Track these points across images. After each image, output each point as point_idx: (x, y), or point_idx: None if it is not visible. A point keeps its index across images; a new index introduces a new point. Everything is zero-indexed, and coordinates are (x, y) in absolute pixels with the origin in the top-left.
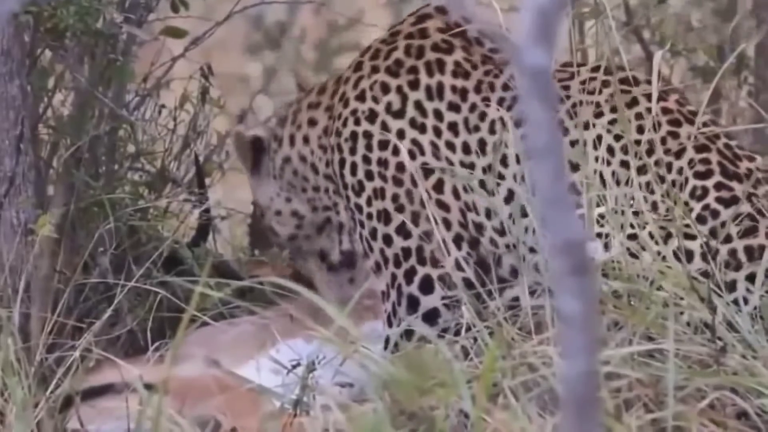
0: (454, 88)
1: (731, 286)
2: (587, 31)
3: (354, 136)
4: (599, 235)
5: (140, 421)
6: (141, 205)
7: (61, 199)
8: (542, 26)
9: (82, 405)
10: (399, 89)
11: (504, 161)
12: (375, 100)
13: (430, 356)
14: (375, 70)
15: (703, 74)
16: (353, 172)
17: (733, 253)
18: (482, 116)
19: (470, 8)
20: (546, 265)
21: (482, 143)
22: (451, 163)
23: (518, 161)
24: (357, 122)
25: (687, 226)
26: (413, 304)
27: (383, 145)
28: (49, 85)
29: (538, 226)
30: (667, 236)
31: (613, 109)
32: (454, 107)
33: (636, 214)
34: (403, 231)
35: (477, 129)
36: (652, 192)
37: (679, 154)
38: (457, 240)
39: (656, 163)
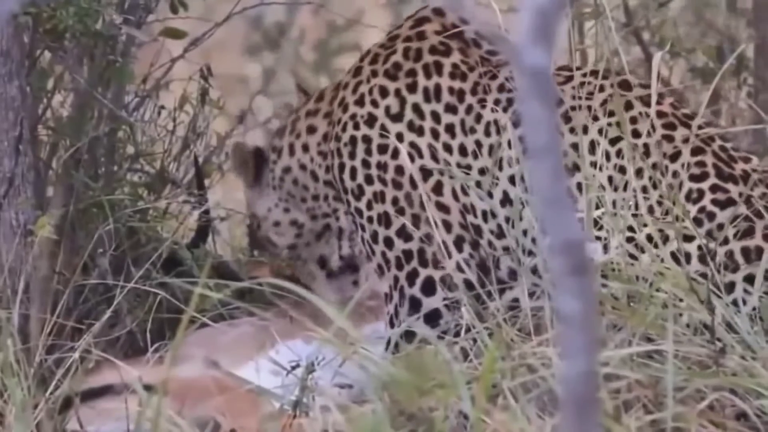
0: (451, 90)
1: (729, 288)
2: (587, 31)
3: (353, 140)
4: (598, 237)
5: (140, 422)
6: (140, 206)
7: (60, 200)
8: (541, 26)
9: (81, 406)
10: (397, 92)
11: (498, 164)
12: (374, 104)
13: (429, 357)
14: (374, 74)
15: (702, 75)
16: (353, 177)
17: (729, 254)
18: (478, 118)
19: (469, 9)
20: (545, 266)
21: (478, 145)
22: (448, 165)
23: (511, 164)
24: (356, 126)
25: (684, 227)
26: (415, 305)
27: (382, 148)
28: (49, 86)
29: (536, 227)
30: (665, 238)
31: (609, 114)
32: (451, 109)
33: (634, 216)
34: (403, 233)
35: (473, 131)
36: (648, 197)
37: (674, 157)
38: (459, 241)
39: (653, 166)
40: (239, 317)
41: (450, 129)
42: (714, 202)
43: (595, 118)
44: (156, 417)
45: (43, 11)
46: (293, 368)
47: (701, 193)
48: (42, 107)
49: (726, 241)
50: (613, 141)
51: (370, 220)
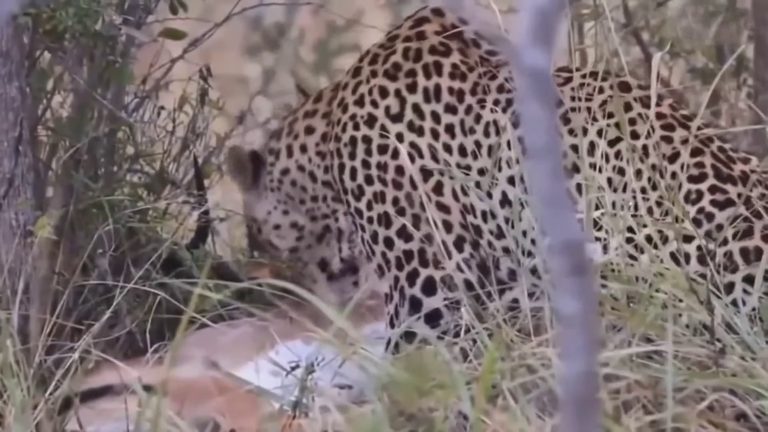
0: (451, 90)
1: (728, 288)
2: (586, 32)
3: (353, 140)
4: (597, 238)
5: (139, 422)
6: (140, 207)
7: (60, 200)
8: (541, 27)
9: (81, 406)
10: (397, 93)
11: (498, 165)
12: (374, 104)
13: (429, 358)
14: (373, 74)
15: (702, 76)
16: (353, 177)
17: (728, 255)
18: (478, 118)
19: (469, 10)
20: (545, 267)
21: (478, 146)
22: (448, 166)
23: (511, 165)
24: (356, 127)
25: (684, 228)
26: (416, 305)
27: (382, 149)
28: (48, 86)
29: (535, 228)
30: (664, 239)
31: (608, 115)
32: (451, 109)
33: (634, 217)
34: (404, 234)
35: (473, 131)
36: (647, 198)
37: (673, 159)
38: (459, 242)
39: (652, 167)
40: (239, 318)
41: (450, 129)
42: (713, 203)
43: (594, 120)
44: (155, 417)
45: (43, 12)
46: (293, 369)
47: (700, 194)
48: (42, 108)
49: (725, 242)
50: (612, 142)
51: (370, 220)
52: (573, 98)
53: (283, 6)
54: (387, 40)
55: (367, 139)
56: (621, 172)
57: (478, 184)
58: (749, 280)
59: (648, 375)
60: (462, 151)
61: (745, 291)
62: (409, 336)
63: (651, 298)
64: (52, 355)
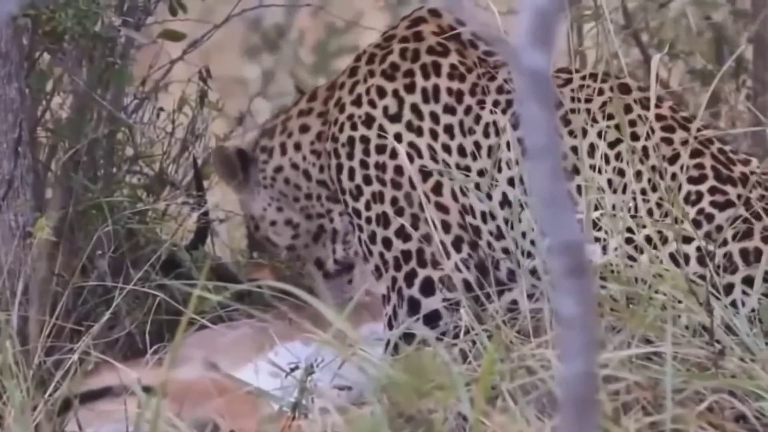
0: (449, 91)
1: (728, 289)
2: (586, 33)
3: (351, 141)
4: (597, 239)
5: (138, 423)
6: (139, 208)
7: (59, 201)
8: (541, 28)
9: (80, 408)
10: (395, 93)
11: (497, 165)
12: (372, 104)
13: (428, 359)
14: (371, 74)
15: (701, 77)
16: (351, 177)
17: (728, 256)
18: (477, 119)
19: (468, 11)
20: (544, 268)
21: (477, 146)
22: (447, 166)
23: (510, 166)
24: (354, 127)
25: (683, 229)
26: (414, 306)
27: (381, 149)
28: (48, 88)
29: (535, 229)
30: (663, 240)
31: (608, 117)
32: (449, 110)
33: (633, 218)
34: (402, 234)
35: (472, 132)
36: (647, 200)
37: (672, 160)
38: (458, 242)
39: (652, 168)
40: (238, 319)
41: (449, 130)
42: (713, 204)
43: (594, 121)
44: (155, 419)
45: (42, 13)
46: (292, 370)
47: (700, 195)
48: (41, 109)
49: (724, 243)
50: (612, 144)
51: (368, 220)
52: (573, 99)
53: (282, 7)
54: (383, 40)
55: (365, 140)
56: (621, 173)
57: (477, 186)
58: (749, 281)
59: (647, 376)
60: (461, 151)
61: (744, 292)
62: (408, 337)
63: (650, 300)
64: (51, 357)
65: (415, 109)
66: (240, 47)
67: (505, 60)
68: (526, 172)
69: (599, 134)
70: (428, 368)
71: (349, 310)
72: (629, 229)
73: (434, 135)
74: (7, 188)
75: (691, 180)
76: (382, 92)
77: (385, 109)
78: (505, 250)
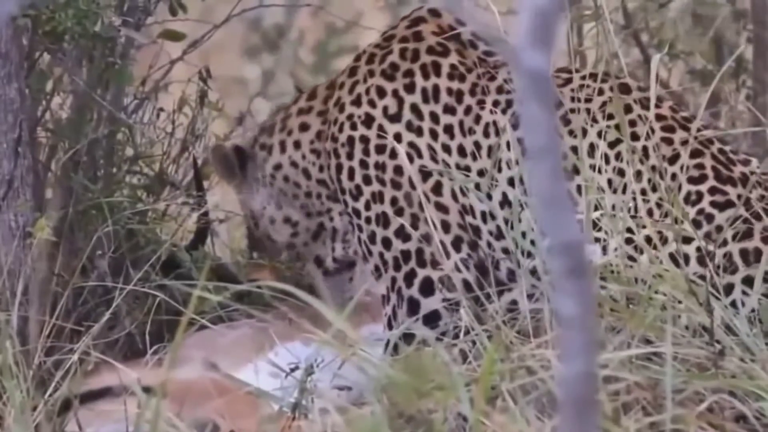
0: (449, 91)
1: (727, 290)
2: (586, 34)
3: (351, 140)
4: (597, 239)
5: (138, 424)
6: (139, 208)
7: (59, 202)
8: (540, 28)
9: (80, 408)
10: (395, 93)
11: (497, 165)
12: (371, 104)
13: (428, 359)
14: (371, 74)
15: (701, 77)
16: (351, 177)
17: (728, 256)
18: (477, 119)
19: (468, 11)
20: (544, 268)
21: (477, 146)
22: (447, 166)
23: (510, 166)
24: (353, 127)
25: (683, 229)
26: (414, 306)
27: (380, 149)
28: (48, 88)
29: (535, 229)
30: (663, 240)
31: (608, 116)
32: (449, 110)
33: (633, 218)
34: (402, 234)
35: (472, 132)
36: (647, 200)
37: (673, 160)
38: (457, 242)
39: (652, 168)
40: (238, 319)
41: (449, 130)
42: (713, 204)
43: (594, 121)
44: (155, 419)
45: (42, 13)
46: (292, 370)
47: (700, 196)
48: (41, 109)
49: (724, 243)
50: (612, 144)
51: (368, 220)
52: (573, 99)
53: (282, 7)
54: (383, 40)
55: (364, 139)
56: (621, 173)
57: (478, 186)
58: (748, 281)
59: (647, 376)
60: (461, 151)
61: (744, 292)
62: (407, 337)
63: (650, 300)
64: (51, 357)
65: (415, 109)
66: (240, 47)
67: (505, 60)
68: (526, 173)
69: (599, 134)
70: (428, 368)
71: (350, 311)
72: (629, 230)
73: (434, 135)
74: (7, 188)
75: (691, 180)
76: (381, 92)
77: (385, 109)
78: (505, 250)
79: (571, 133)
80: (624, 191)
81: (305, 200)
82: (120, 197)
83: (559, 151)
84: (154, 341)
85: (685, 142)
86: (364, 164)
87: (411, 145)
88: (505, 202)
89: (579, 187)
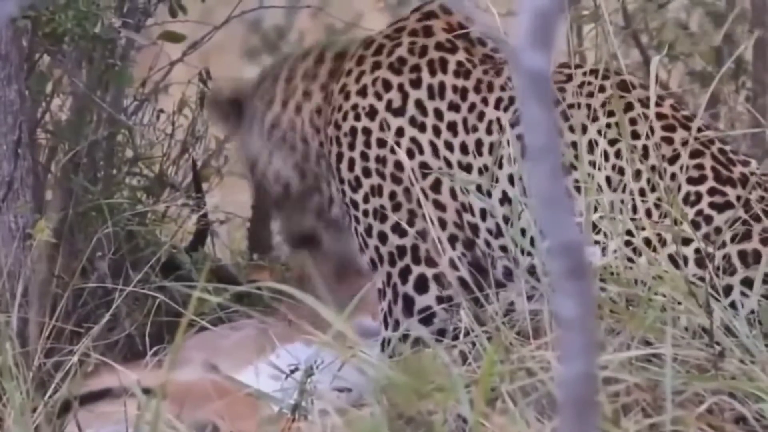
0: (455, 88)
1: (726, 291)
2: (586, 35)
3: (353, 131)
4: (596, 240)
5: (138, 425)
6: (139, 210)
7: (59, 203)
8: (541, 29)
9: (80, 409)
10: (401, 87)
11: (498, 163)
12: (377, 96)
13: (428, 360)
14: (377, 66)
15: (701, 79)
16: (350, 168)
17: (726, 258)
18: (480, 116)
19: (468, 12)
20: (543, 269)
21: (479, 144)
22: (449, 163)
23: (511, 163)
24: (357, 118)
25: (682, 231)
26: (408, 303)
27: (382, 142)
28: (47, 89)
29: (534, 228)
30: (662, 241)
31: (609, 114)
32: (454, 107)
33: (632, 219)
34: (398, 229)
35: (475, 129)
36: (645, 200)
37: (672, 160)
38: (452, 240)
39: (651, 168)
40: (238, 321)
41: (452, 127)
42: (711, 205)
43: (596, 118)
44: (155, 420)
45: (42, 15)
46: (292, 372)
47: (699, 196)
48: (41, 111)
49: (723, 245)
50: (612, 142)
51: (365, 213)
52: (574, 94)
53: (282, 9)
54: (393, 31)
55: (367, 131)
56: (621, 171)
57: (479, 187)
58: (747, 283)
59: (647, 378)
60: (464, 149)
61: (743, 293)
62: (403, 335)
63: (650, 301)
64: (51, 358)
65: (419, 104)
66: (240, 49)
67: (507, 60)
68: (525, 173)
69: (599, 131)
70: (428, 370)
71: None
72: (628, 231)
73: (437, 132)
74: (6, 190)
75: (691, 180)
76: (387, 85)
77: (389, 102)
78: (503, 248)
79: (571, 129)
80: (623, 190)
81: (302, 163)
82: (120, 199)
83: (558, 152)
84: (154, 343)
85: (685, 143)
86: (364, 156)
87: (413, 140)
88: (504, 199)
89: (576, 183)
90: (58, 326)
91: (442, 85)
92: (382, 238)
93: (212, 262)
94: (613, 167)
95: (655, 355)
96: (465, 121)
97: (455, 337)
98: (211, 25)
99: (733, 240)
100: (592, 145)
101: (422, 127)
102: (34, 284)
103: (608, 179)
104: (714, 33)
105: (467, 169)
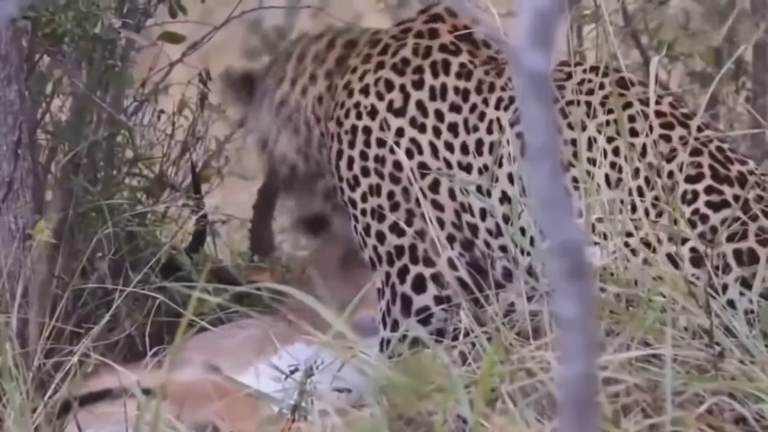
0: (456, 90)
1: (722, 291)
2: (585, 35)
3: (354, 129)
4: (595, 241)
5: (138, 426)
6: (139, 210)
7: (59, 204)
8: (540, 29)
9: (80, 410)
10: (402, 88)
11: (498, 162)
12: (378, 96)
13: (428, 361)
14: (381, 65)
15: (701, 79)
16: (349, 167)
17: (722, 257)
18: (481, 116)
19: (474, 12)
20: (543, 269)
21: (480, 143)
22: (448, 164)
23: (511, 162)
24: (358, 116)
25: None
26: (406, 303)
27: (382, 142)
28: (47, 90)
29: (533, 229)
30: (659, 240)
31: (608, 111)
32: (455, 108)
33: (631, 219)
34: (396, 229)
35: (476, 129)
36: (644, 199)
37: (670, 158)
38: (449, 240)
39: (649, 166)
40: (240, 321)
41: (453, 128)
42: (708, 204)
43: (595, 115)
44: (154, 421)
45: (42, 15)
46: (292, 372)
47: (696, 195)
48: (41, 111)
49: (718, 244)
50: (610, 139)
51: (363, 212)
52: (574, 92)
53: (282, 9)
54: (399, 32)
55: (367, 131)
56: (619, 169)
57: (479, 187)
58: (743, 282)
59: (647, 378)
60: (464, 149)
61: (741, 293)
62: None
63: (650, 302)
64: (51, 359)
65: (420, 105)
66: (240, 49)
67: (508, 61)
68: (525, 173)
69: (599, 129)
70: (428, 370)
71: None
72: (628, 233)
73: (437, 132)
74: (6, 190)
75: (689, 179)
76: (390, 85)
77: (391, 103)
78: (502, 248)
79: (570, 126)
80: (622, 189)
81: (305, 148)
82: (120, 200)
83: (558, 153)
84: (154, 343)
85: (685, 142)
86: (364, 156)
87: (413, 141)
88: (504, 198)
89: (574, 179)
90: (58, 327)
91: (443, 87)
92: (380, 237)
93: (212, 264)
94: (612, 165)
95: (655, 355)
96: (466, 121)
97: (455, 338)
98: (211, 26)
99: (729, 239)
100: (591, 143)
101: (422, 128)
102: (33, 285)
103: (607, 177)
104: (714, 33)
105: (467, 169)
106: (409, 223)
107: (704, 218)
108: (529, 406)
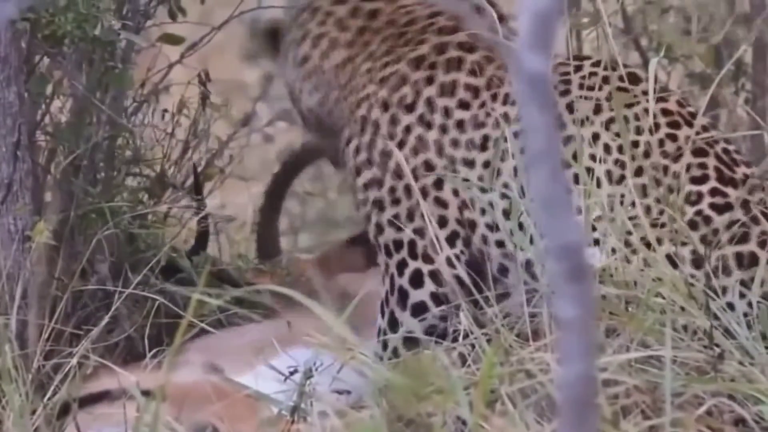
0: (467, 86)
1: (722, 293)
2: (585, 37)
3: (364, 119)
4: (596, 242)
5: (137, 427)
6: (140, 212)
7: (58, 205)
8: (540, 31)
9: (79, 412)
10: (415, 83)
11: (501, 155)
12: (392, 89)
13: (427, 363)
14: (400, 59)
15: (700, 81)
16: (356, 154)
17: (723, 259)
18: (489, 112)
19: (468, 14)
20: (542, 271)
21: (485, 139)
22: (453, 160)
23: (512, 157)
24: (371, 107)
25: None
26: (403, 296)
27: (390, 136)
28: (47, 91)
29: (533, 229)
30: (659, 241)
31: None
32: (463, 105)
33: (632, 219)
34: (395, 224)
35: (483, 125)
36: (646, 197)
37: (676, 158)
38: (452, 237)
39: (653, 165)
40: (238, 323)
41: (460, 125)
42: (712, 206)
43: (600, 111)
44: (154, 422)
45: (42, 17)
46: (291, 374)
47: (700, 196)
48: (40, 113)
49: (719, 245)
50: (616, 136)
51: (365, 201)
52: (579, 87)
53: (282, 10)
54: (421, 28)
55: (376, 123)
56: (622, 166)
57: (482, 189)
58: (743, 285)
59: (646, 380)
60: (471, 144)
61: (742, 294)
62: (395, 327)
63: (649, 303)
64: (50, 360)
65: (429, 102)
66: (239, 50)
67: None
68: (525, 174)
69: (603, 124)
70: (427, 372)
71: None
72: (628, 233)
73: (444, 130)
74: (6, 192)
75: (693, 180)
76: (404, 80)
77: (402, 98)
78: (499, 243)
79: (575, 122)
80: (622, 185)
81: (327, 104)
82: (120, 201)
83: (558, 154)
84: (154, 345)
85: (693, 142)
86: (371, 146)
87: (419, 137)
88: (506, 190)
89: (576, 177)
90: (58, 328)
91: (454, 83)
92: (379, 228)
93: (213, 265)
94: (615, 161)
95: (655, 357)
96: (475, 118)
97: (454, 339)
98: (210, 27)
99: (730, 241)
100: (595, 138)
101: (429, 125)
102: (33, 286)
103: (609, 173)
104: (713, 34)
105: (471, 164)
106: (410, 219)
107: (707, 220)
108: (529, 407)
